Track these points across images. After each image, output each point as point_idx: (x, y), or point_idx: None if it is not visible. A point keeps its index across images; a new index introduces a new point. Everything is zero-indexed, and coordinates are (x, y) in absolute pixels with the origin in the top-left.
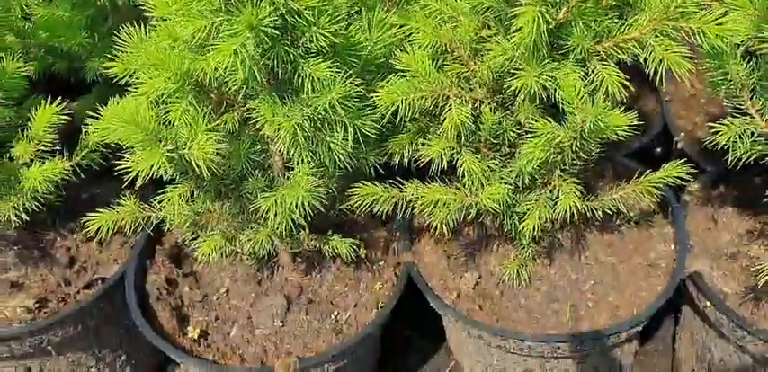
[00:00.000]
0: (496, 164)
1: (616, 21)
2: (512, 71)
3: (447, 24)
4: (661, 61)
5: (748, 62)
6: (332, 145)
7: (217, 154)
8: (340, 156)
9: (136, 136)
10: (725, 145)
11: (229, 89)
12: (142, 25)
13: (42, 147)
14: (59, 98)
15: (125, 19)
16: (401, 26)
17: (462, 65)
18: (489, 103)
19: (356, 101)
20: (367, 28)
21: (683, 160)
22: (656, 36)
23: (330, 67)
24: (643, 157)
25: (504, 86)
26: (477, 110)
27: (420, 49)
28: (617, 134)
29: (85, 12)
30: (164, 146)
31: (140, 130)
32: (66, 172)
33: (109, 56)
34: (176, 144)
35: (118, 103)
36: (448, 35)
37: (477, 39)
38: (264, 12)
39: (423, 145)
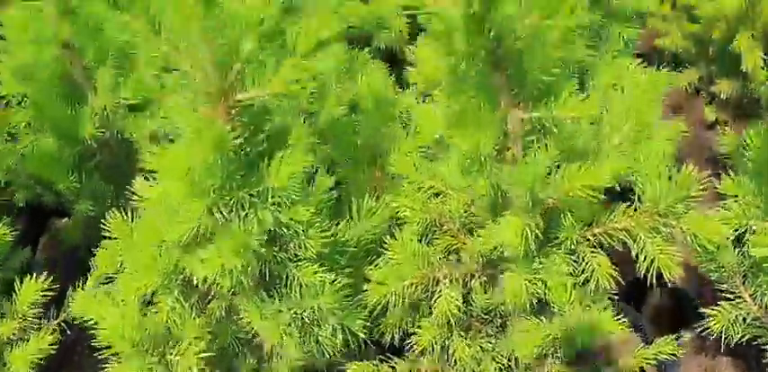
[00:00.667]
0: (490, 343)
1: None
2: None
3: (436, 199)
4: (653, 261)
5: (740, 250)
6: (320, 338)
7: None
8: (328, 349)
9: (121, 345)
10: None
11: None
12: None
13: (26, 323)
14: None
15: (114, 153)
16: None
17: (452, 237)
18: (480, 277)
19: (345, 298)
20: (356, 220)
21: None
22: (649, 232)
23: (317, 272)
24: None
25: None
26: (468, 286)
27: (409, 227)
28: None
29: (74, 148)
30: (151, 355)
31: (126, 342)
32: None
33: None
34: (162, 352)
35: (105, 295)
36: (437, 209)
37: (466, 215)
38: (252, 231)
39: (413, 334)
